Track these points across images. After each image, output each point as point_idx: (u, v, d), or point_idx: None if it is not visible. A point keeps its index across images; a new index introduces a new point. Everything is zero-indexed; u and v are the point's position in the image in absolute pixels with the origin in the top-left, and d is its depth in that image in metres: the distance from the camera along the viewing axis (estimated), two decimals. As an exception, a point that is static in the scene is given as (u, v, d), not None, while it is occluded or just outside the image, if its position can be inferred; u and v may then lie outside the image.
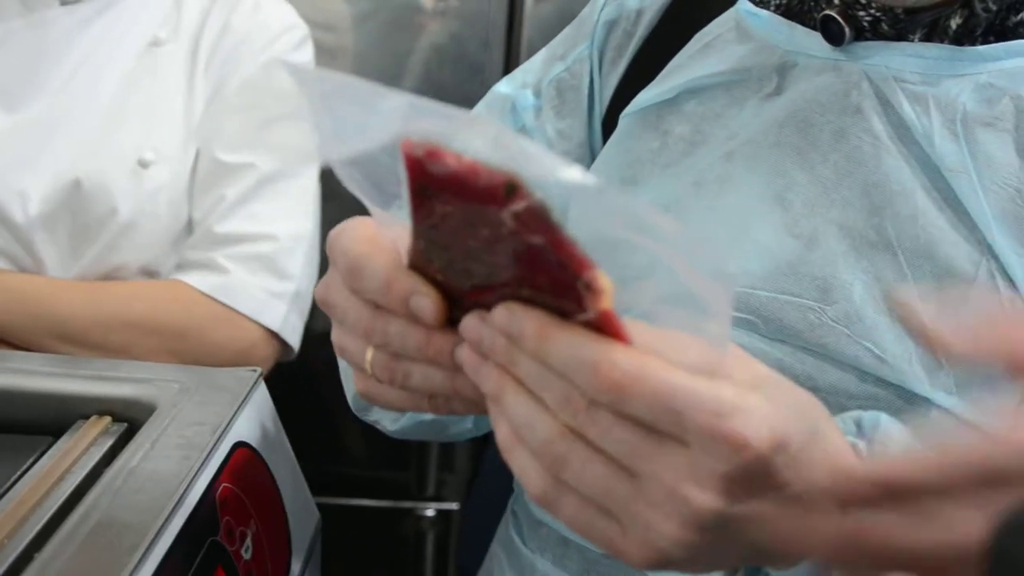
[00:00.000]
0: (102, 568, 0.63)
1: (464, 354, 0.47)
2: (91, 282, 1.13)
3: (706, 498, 0.43)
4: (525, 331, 0.44)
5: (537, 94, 0.85)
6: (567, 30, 0.87)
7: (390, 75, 1.42)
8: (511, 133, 0.41)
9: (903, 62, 0.65)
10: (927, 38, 0.65)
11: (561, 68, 0.84)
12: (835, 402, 0.63)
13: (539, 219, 0.39)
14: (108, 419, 0.84)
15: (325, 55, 1.31)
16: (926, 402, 0.61)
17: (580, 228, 0.40)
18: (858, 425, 0.54)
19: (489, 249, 0.43)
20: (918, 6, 0.64)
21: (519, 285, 0.44)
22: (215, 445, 0.77)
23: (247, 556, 0.76)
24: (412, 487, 1.55)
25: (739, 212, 0.68)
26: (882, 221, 0.64)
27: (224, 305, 1.11)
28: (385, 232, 0.51)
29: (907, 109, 0.64)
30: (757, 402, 0.43)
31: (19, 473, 0.77)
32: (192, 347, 1.09)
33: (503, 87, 0.87)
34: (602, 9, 0.83)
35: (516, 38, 1.40)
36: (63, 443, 0.81)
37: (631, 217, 0.39)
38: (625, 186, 0.74)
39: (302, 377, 1.26)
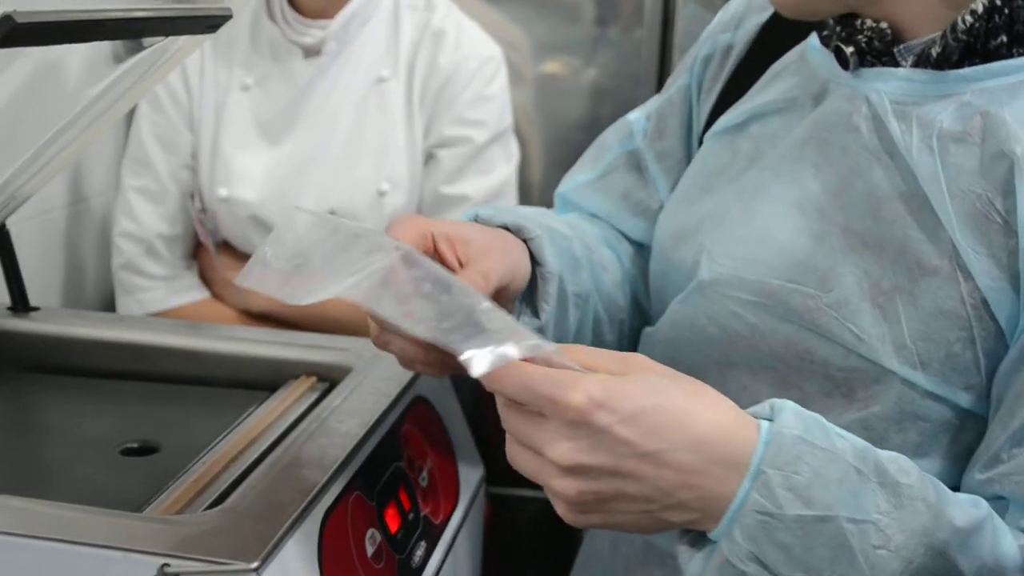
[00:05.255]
0: (311, 475, 0.79)
1: None
2: None
3: (560, 453, 0.58)
4: None
5: (648, 119, 0.99)
6: (678, 67, 1.00)
7: (555, 105, 1.59)
8: None
9: (896, 86, 0.74)
10: (917, 64, 0.73)
11: (664, 98, 0.98)
12: (825, 372, 0.74)
13: None
14: (314, 378, 1.02)
15: (511, 71, 1.46)
16: (895, 375, 0.72)
17: None
18: (771, 408, 0.64)
19: None
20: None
21: None
22: (400, 395, 0.93)
23: (424, 484, 0.92)
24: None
25: (765, 216, 0.79)
26: (873, 223, 0.73)
27: None
28: None
29: (894, 127, 0.73)
30: (585, 380, 0.58)
31: (244, 416, 0.96)
32: None
33: (632, 114, 1.02)
34: (701, 46, 0.96)
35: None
36: (278, 395, 0.99)
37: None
38: (702, 193, 0.86)
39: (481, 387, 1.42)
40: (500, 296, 0.78)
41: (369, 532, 0.81)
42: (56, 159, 1.07)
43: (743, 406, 0.75)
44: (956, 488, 0.71)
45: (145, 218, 1.39)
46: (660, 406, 0.59)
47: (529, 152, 1.59)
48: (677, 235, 0.87)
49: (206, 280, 1.43)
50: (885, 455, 0.63)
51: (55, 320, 1.12)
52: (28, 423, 1.03)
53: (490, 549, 1.13)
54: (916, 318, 0.71)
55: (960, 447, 0.72)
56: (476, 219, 0.85)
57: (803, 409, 0.64)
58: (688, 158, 0.95)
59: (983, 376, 0.70)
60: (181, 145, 1.38)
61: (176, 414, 0.98)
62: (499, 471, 1.21)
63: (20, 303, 1.12)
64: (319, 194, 1.33)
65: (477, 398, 1.19)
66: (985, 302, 0.69)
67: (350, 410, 0.89)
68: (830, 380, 0.74)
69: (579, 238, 0.92)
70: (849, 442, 0.63)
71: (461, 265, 0.76)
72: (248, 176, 1.35)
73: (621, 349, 0.93)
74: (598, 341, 0.92)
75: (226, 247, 1.40)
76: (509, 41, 1.55)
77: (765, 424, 0.62)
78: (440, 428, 0.99)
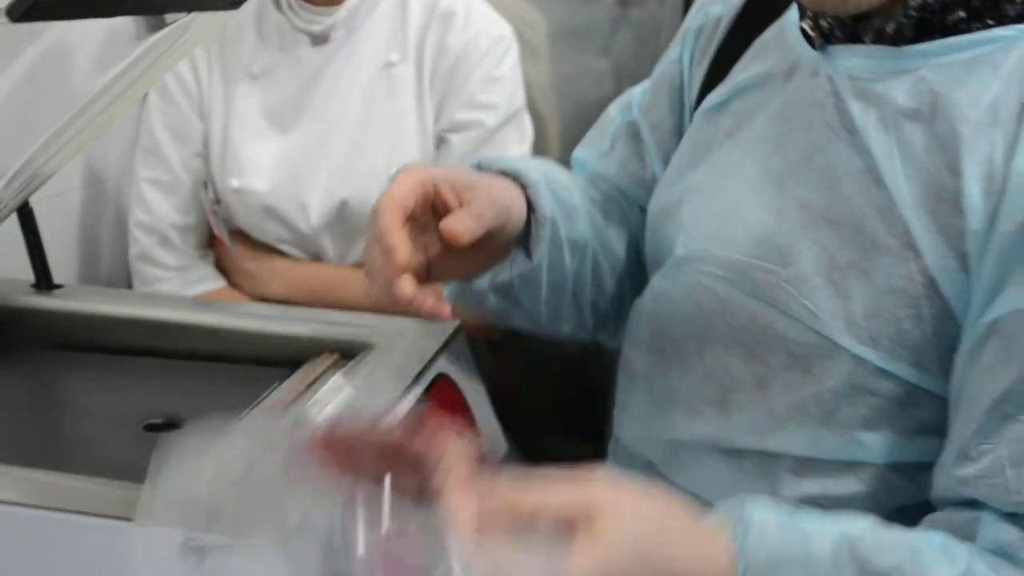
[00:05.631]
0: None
1: None
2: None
3: None
4: None
5: (644, 92, 1.00)
6: (674, 39, 1.00)
7: (574, 85, 1.58)
8: None
9: (857, 62, 0.74)
10: (876, 40, 0.73)
11: (659, 70, 0.99)
12: (785, 347, 0.75)
13: None
14: (337, 355, 1.02)
15: (526, 48, 1.45)
16: (846, 351, 0.72)
17: None
18: (745, 524, 0.63)
19: None
20: (852, 13, 0.73)
21: None
22: (421, 372, 0.93)
23: (446, 461, 0.92)
24: (589, 457, 1.67)
25: (734, 191, 0.80)
26: (832, 200, 0.74)
27: None
28: None
29: (853, 104, 0.73)
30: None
31: (268, 392, 0.96)
32: None
33: (636, 87, 1.02)
34: (694, 18, 0.95)
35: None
36: (300, 372, 0.99)
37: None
38: (686, 170, 0.87)
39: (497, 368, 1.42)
40: (496, 238, 0.80)
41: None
42: (78, 137, 1.07)
43: (719, 379, 0.79)
44: (912, 464, 0.72)
45: (159, 209, 1.39)
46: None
47: (547, 131, 1.58)
48: (663, 211, 0.88)
49: (222, 269, 1.43)
50: (859, 536, 0.63)
51: (78, 297, 1.12)
52: (52, 399, 1.03)
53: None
54: (868, 295, 0.71)
55: (911, 422, 0.73)
56: (478, 167, 0.86)
57: (775, 513, 0.64)
58: (679, 130, 0.95)
59: (934, 354, 0.70)
60: (192, 134, 1.38)
61: (199, 391, 0.98)
62: (521, 450, 1.22)
63: (44, 281, 1.12)
64: (330, 183, 1.32)
65: (496, 377, 1.20)
66: (934, 281, 0.69)
67: (372, 386, 0.89)
68: (790, 355, 0.75)
69: (582, 191, 0.93)
70: (826, 536, 0.63)
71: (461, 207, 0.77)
72: (259, 166, 1.34)
73: (622, 299, 0.95)
74: (598, 288, 0.94)
75: (241, 235, 1.39)
76: (524, 19, 1.54)
77: (739, 548, 0.62)
78: (462, 405, 0.99)
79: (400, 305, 0.73)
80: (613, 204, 0.97)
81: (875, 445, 0.73)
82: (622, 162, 0.99)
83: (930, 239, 0.69)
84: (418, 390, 0.91)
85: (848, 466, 0.74)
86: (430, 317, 0.75)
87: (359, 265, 1.33)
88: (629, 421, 0.91)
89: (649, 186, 0.95)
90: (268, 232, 1.35)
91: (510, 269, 0.87)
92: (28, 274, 1.13)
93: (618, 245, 0.95)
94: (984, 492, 0.65)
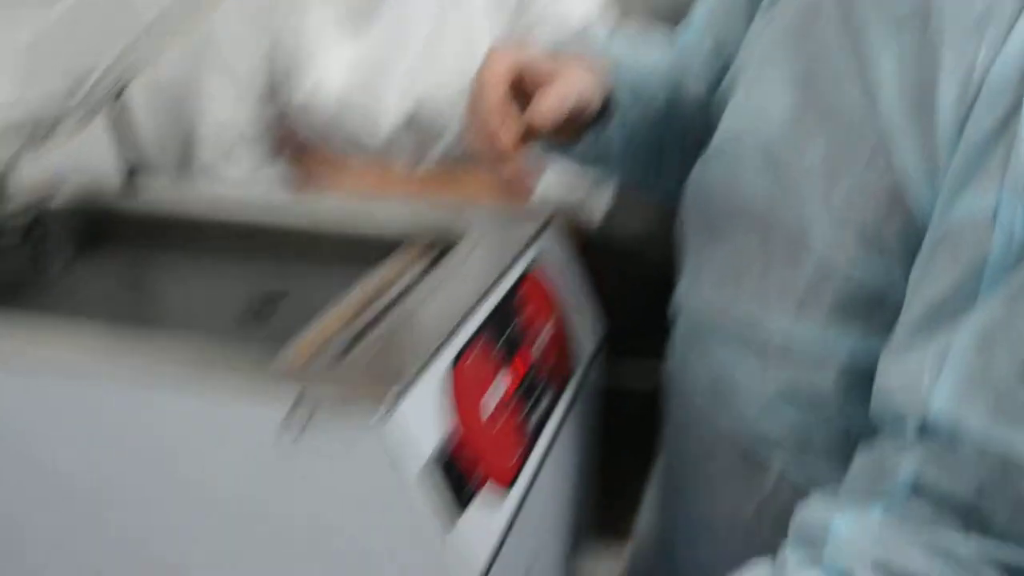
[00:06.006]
0: (438, 323, 0.79)
1: None
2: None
3: None
4: None
5: None
6: None
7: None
8: None
9: None
10: None
11: None
12: (787, 235, 0.77)
13: None
14: (428, 244, 1.01)
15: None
16: (820, 242, 0.74)
17: None
18: None
19: None
20: None
21: None
22: (518, 256, 0.92)
23: (542, 346, 0.91)
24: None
25: (766, 88, 0.81)
26: (835, 97, 0.74)
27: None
28: None
29: (859, 5, 0.74)
30: None
31: (357, 283, 0.95)
32: None
33: None
34: None
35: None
36: (391, 261, 0.99)
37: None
38: (739, 58, 0.89)
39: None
40: (576, 120, 0.85)
41: (492, 384, 0.80)
42: (167, 34, 1.06)
43: (736, 260, 0.81)
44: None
45: (225, 119, 1.38)
46: None
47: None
48: (719, 96, 0.90)
49: (289, 179, 1.42)
50: None
51: (168, 194, 1.12)
52: (143, 294, 1.04)
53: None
54: (845, 194, 0.72)
55: (877, 325, 0.72)
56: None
57: None
58: (751, 17, 0.94)
59: (898, 259, 0.70)
60: (259, 44, 1.37)
61: (292, 280, 0.98)
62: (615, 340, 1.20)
63: (134, 178, 1.13)
64: (401, 90, 1.30)
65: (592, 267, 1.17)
66: (903, 186, 0.69)
67: (468, 271, 0.89)
68: (789, 242, 0.76)
69: (672, 63, 0.97)
70: None
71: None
72: (328, 75, 1.33)
73: None
74: (684, 157, 0.93)
75: (310, 144, 1.38)
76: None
77: None
78: (556, 291, 0.98)
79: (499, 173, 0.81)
80: (703, 77, 0.97)
81: (842, 343, 0.74)
82: (706, 45, 0.99)
83: (905, 145, 0.69)
84: (513, 277, 0.90)
85: (820, 360, 0.75)
86: (522, 190, 0.85)
87: (430, 174, 1.32)
88: (679, 290, 0.93)
89: (724, 70, 0.95)
90: (338, 140, 1.33)
91: (585, 145, 0.91)
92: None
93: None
94: (900, 400, 0.65)
